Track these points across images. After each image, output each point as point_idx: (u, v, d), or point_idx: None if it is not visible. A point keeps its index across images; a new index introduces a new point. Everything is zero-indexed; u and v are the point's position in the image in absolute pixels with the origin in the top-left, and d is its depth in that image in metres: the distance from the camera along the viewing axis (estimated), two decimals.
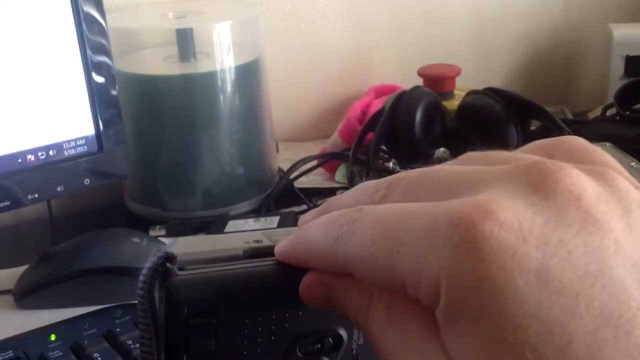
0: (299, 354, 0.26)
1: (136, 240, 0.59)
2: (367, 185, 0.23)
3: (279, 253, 0.24)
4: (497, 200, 0.19)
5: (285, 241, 0.24)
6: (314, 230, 0.23)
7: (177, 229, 0.69)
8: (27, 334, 0.50)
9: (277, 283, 0.25)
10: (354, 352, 0.27)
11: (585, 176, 0.19)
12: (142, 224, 0.70)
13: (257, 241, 0.26)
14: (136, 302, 0.24)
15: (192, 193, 0.72)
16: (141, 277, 0.24)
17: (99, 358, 0.45)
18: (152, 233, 0.68)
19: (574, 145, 0.22)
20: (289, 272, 0.24)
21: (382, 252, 0.20)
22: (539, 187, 0.19)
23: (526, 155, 0.22)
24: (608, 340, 0.17)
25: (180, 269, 0.24)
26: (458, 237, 0.18)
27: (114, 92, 0.63)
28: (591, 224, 0.18)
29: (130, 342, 0.47)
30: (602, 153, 0.22)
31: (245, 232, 0.27)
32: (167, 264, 0.24)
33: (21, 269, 0.61)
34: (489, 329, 0.18)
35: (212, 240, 0.27)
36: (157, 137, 0.72)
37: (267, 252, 0.25)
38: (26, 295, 0.57)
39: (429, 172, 0.22)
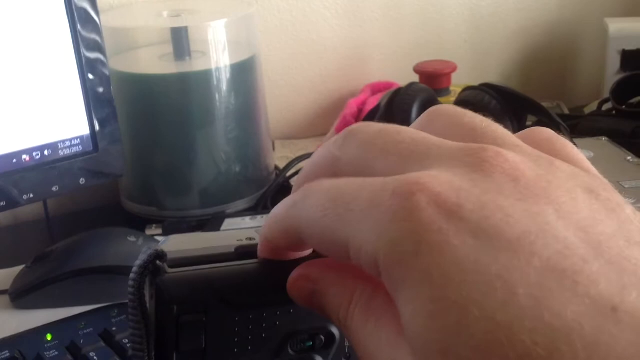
0: (290, 351, 0.26)
1: (132, 239, 0.59)
2: (330, 140, 0.24)
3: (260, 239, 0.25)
4: (438, 176, 0.19)
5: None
6: (278, 205, 0.24)
7: (174, 228, 0.69)
8: (23, 334, 0.49)
9: (268, 281, 0.25)
10: (347, 350, 0.27)
11: (527, 162, 0.20)
12: (138, 224, 0.70)
13: (250, 239, 0.26)
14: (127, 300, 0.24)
15: (188, 192, 0.72)
16: (131, 275, 0.24)
17: (95, 357, 0.45)
18: (148, 232, 0.68)
19: (537, 135, 0.23)
20: (280, 270, 0.24)
21: (330, 216, 0.21)
22: (478, 168, 0.19)
23: (484, 138, 0.22)
24: (553, 290, 0.17)
25: (171, 266, 0.24)
26: (396, 206, 0.19)
27: (109, 92, 0.63)
28: (530, 196, 0.19)
29: (127, 341, 0.47)
30: (566, 143, 0.22)
31: (238, 229, 0.27)
32: (158, 262, 0.24)
33: (17, 269, 0.61)
34: (432, 291, 0.18)
35: (205, 238, 0.27)
36: (153, 136, 0.72)
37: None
38: (22, 295, 0.56)
39: (386, 133, 0.22)
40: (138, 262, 0.24)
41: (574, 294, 0.17)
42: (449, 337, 0.17)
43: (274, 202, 0.77)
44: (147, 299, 0.24)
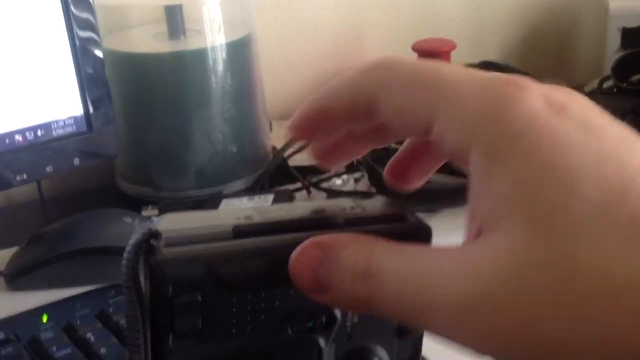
0: (290, 332, 0.25)
1: (128, 220, 0.58)
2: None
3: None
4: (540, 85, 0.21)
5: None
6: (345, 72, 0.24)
7: (170, 209, 0.68)
8: (18, 315, 0.49)
9: (266, 261, 0.24)
10: (348, 330, 0.26)
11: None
12: (134, 204, 0.69)
13: (248, 217, 0.25)
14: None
15: (184, 172, 0.71)
16: (125, 254, 0.24)
17: (92, 338, 0.45)
18: (144, 213, 0.67)
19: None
20: (280, 249, 0.23)
21: (420, 88, 0.22)
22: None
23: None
24: None
25: (166, 245, 0.23)
26: (509, 94, 0.20)
27: (102, 71, 0.62)
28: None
29: (124, 322, 0.46)
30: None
31: (236, 208, 0.27)
32: (152, 241, 0.23)
33: (12, 250, 0.60)
34: (542, 158, 0.19)
35: (201, 217, 0.26)
36: (148, 116, 0.71)
37: (257, 229, 0.24)
38: (17, 277, 0.56)
39: None
40: (132, 242, 0.24)
41: None
42: (560, 197, 0.18)
43: (272, 183, 0.77)
44: (142, 279, 0.23)
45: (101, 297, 0.50)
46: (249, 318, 0.24)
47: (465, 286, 0.18)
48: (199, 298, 0.23)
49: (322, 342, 0.26)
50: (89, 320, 0.47)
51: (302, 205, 0.26)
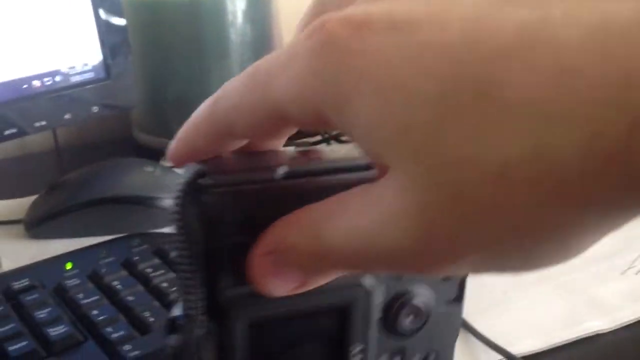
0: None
1: (149, 169, 0.57)
2: None
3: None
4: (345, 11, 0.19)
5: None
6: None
7: None
8: (42, 262, 0.48)
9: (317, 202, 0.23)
10: None
11: None
12: (151, 156, 0.67)
13: (293, 159, 0.24)
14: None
15: None
16: (175, 193, 0.22)
17: (118, 286, 0.44)
18: (163, 164, 0.66)
19: None
20: (331, 190, 0.22)
21: (252, 86, 0.21)
22: None
23: None
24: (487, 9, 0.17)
25: (215, 186, 0.22)
26: (313, 43, 0.18)
27: (121, 18, 0.60)
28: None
29: (150, 270, 0.45)
30: None
31: (278, 150, 0.25)
32: (200, 180, 0.22)
33: (29, 199, 0.59)
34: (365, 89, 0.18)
35: (247, 158, 0.25)
36: (166, 66, 0.69)
37: (307, 171, 0.23)
38: (38, 225, 0.55)
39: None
40: (181, 180, 0.23)
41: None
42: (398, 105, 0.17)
43: (291, 136, 0.75)
44: (190, 220, 0.22)
45: (125, 245, 0.49)
46: None
47: (399, 237, 0.18)
48: (248, 240, 0.22)
49: (370, 282, 0.25)
50: (114, 268, 0.46)
51: (345, 147, 0.25)
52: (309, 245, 0.20)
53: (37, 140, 0.72)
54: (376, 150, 0.18)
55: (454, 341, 0.27)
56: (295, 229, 0.21)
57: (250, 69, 0.21)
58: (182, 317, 0.23)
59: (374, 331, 0.24)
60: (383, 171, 0.19)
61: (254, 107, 0.21)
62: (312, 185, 0.23)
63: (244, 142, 0.23)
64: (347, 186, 0.22)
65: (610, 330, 0.44)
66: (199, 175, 0.22)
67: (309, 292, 0.22)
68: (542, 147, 0.15)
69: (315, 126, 0.20)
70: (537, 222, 0.16)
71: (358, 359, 0.24)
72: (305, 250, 0.20)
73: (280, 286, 0.21)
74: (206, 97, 0.24)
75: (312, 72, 0.18)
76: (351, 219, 0.19)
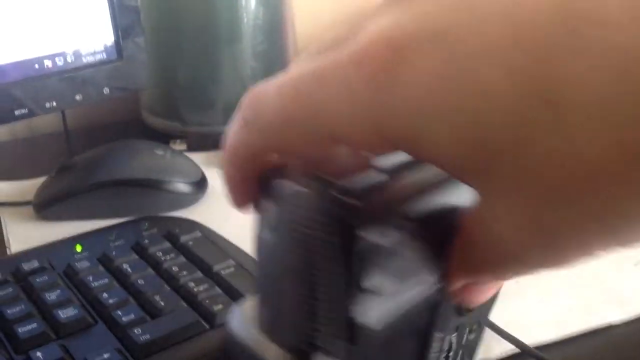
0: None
1: (159, 152, 0.57)
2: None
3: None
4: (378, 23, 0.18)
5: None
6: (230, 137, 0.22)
7: (198, 143, 0.66)
8: (52, 244, 0.48)
9: None
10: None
11: None
12: (160, 139, 0.67)
13: None
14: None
15: (212, 107, 0.69)
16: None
17: (128, 269, 0.43)
18: (172, 147, 0.66)
19: None
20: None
21: (296, 108, 0.20)
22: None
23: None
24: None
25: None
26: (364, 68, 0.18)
27: None
28: None
29: (160, 254, 0.45)
30: None
31: None
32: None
33: (38, 180, 0.58)
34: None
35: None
36: (177, 49, 0.69)
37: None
38: (47, 206, 0.54)
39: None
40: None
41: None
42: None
43: None
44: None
45: (135, 228, 0.49)
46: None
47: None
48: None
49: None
50: (125, 252, 0.46)
51: None
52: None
53: (46, 122, 0.72)
54: (464, 171, 0.18)
55: (490, 309, 0.26)
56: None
57: (288, 88, 0.20)
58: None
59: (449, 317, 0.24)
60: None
61: (302, 133, 0.20)
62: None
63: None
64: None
65: (623, 321, 0.43)
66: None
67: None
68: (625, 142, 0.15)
69: (362, 149, 0.20)
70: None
71: (437, 347, 0.24)
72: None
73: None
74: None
75: (373, 107, 0.18)
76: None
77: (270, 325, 0.23)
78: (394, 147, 0.18)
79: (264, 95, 0.20)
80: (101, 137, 0.71)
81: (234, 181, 0.23)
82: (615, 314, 0.44)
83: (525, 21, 0.15)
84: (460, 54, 0.16)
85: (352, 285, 0.20)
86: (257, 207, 0.23)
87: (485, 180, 0.17)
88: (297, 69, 0.19)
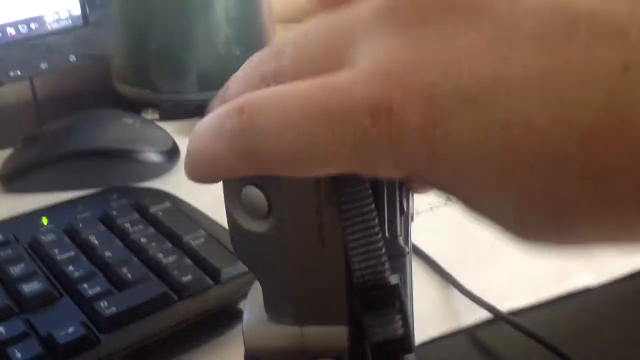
0: None
1: (129, 121, 0.55)
2: (257, 61, 0.22)
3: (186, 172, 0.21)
4: (391, 54, 0.17)
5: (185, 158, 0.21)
6: (208, 143, 0.20)
7: (171, 112, 0.65)
8: (17, 217, 0.46)
9: None
10: None
11: None
12: (132, 107, 0.66)
13: None
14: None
15: (185, 75, 0.67)
16: None
17: (95, 241, 0.42)
18: (144, 116, 0.64)
19: None
20: None
21: (308, 130, 0.18)
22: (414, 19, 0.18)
23: None
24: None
25: None
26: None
27: None
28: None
29: (128, 225, 0.44)
30: None
31: None
32: None
33: (6, 152, 0.57)
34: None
35: None
36: (148, 15, 0.66)
37: None
38: (13, 178, 0.53)
39: (302, 35, 0.20)
40: None
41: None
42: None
43: None
44: None
45: (103, 199, 0.47)
46: None
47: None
48: None
49: None
50: (92, 223, 0.45)
51: None
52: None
53: (15, 91, 0.70)
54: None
55: None
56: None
57: (294, 101, 0.18)
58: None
59: None
60: None
61: (304, 153, 0.18)
62: None
63: None
64: None
65: (601, 285, 0.43)
66: None
67: None
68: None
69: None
70: None
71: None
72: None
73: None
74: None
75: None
76: None
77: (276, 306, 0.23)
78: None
79: (264, 120, 0.19)
80: (72, 106, 0.69)
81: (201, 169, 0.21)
82: (592, 278, 0.43)
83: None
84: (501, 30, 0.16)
85: None
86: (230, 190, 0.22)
87: None
88: (294, 89, 0.19)
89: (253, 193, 0.22)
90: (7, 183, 0.53)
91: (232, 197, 0.22)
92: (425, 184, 0.19)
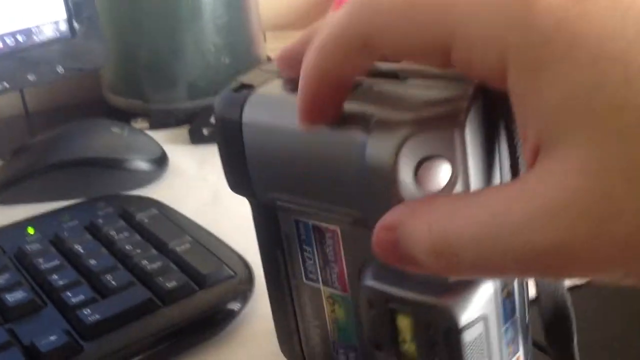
0: None
1: (116, 130, 0.56)
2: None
3: None
4: None
5: None
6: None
7: (161, 121, 0.65)
8: (3, 228, 0.46)
9: None
10: None
11: None
12: (123, 117, 0.66)
13: None
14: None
15: (175, 84, 0.68)
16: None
17: (81, 250, 0.42)
18: (134, 126, 0.64)
19: None
20: None
21: (422, 5, 0.19)
22: None
23: None
24: None
25: None
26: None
27: None
28: None
29: (114, 232, 0.44)
30: None
31: None
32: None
33: None
34: (583, 59, 0.16)
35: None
36: (137, 25, 0.67)
37: None
38: (3, 190, 0.53)
39: None
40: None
41: None
42: (620, 92, 0.16)
43: None
44: None
45: (90, 209, 0.47)
46: None
47: (544, 231, 0.17)
48: None
49: None
50: (78, 232, 0.45)
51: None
52: (423, 241, 0.19)
53: (7, 104, 0.70)
54: (563, 125, 0.17)
55: None
56: (411, 218, 0.20)
57: None
58: None
59: None
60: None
61: (415, 31, 0.19)
62: None
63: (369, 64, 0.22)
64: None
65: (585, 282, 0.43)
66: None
67: None
68: None
69: (474, 74, 0.19)
70: None
71: None
72: (422, 245, 0.19)
73: (403, 263, 0.21)
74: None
75: (515, 24, 0.17)
76: (473, 216, 0.18)
77: None
78: (500, 69, 0.18)
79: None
80: (63, 118, 0.69)
81: (317, 80, 0.22)
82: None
83: None
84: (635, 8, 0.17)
85: None
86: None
87: (574, 130, 0.17)
88: None
89: None
90: None
91: None
92: None
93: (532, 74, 0.17)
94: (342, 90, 0.22)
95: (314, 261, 0.27)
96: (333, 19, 0.21)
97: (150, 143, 0.56)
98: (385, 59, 0.21)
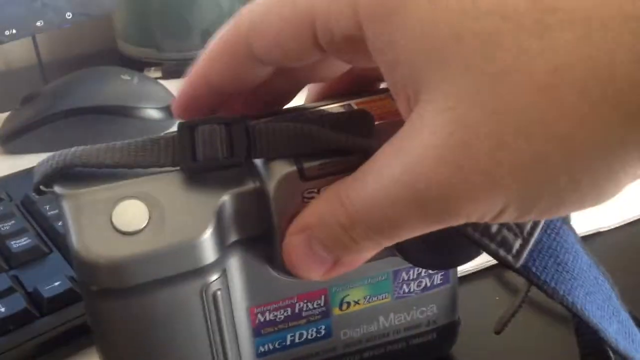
0: None
1: (126, 77, 0.54)
2: None
3: None
4: None
5: None
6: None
7: (174, 71, 0.64)
8: (10, 176, 0.46)
9: None
10: None
11: None
12: (137, 67, 0.64)
13: None
14: None
15: (188, 33, 0.66)
16: None
17: None
18: (147, 74, 0.63)
19: None
20: None
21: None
22: None
23: None
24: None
25: None
26: None
27: None
28: None
29: None
30: None
31: None
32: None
33: (7, 113, 0.56)
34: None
35: None
36: None
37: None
38: (11, 139, 0.52)
39: None
40: None
41: None
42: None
43: None
44: None
45: None
46: None
47: (427, 176, 0.17)
48: None
49: None
50: None
51: None
52: (335, 215, 0.19)
53: (20, 54, 0.70)
54: (418, 66, 0.17)
55: None
56: (322, 201, 0.20)
57: None
58: None
59: None
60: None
61: (284, 23, 0.20)
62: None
63: (263, 73, 0.23)
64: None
65: (611, 227, 0.41)
66: None
67: None
68: (591, 51, 0.15)
69: (343, 50, 0.19)
70: (583, 135, 0.15)
71: None
72: (332, 222, 0.19)
73: (314, 269, 0.21)
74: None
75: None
76: (380, 172, 0.18)
77: None
78: (358, 31, 0.18)
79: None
80: (77, 67, 0.68)
81: (198, 80, 0.23)
82: (604, 221, 0.41)
83: None
84: None
85: None
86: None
87: (439, 71, 0.17)
88: None
89: None
90: (5, 144, 0.53)
91: None
92: None
93: (383, 24, 0.17)
94: (220, 96, 0.24)
95: None
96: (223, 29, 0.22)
97: (161, 91, 0.55)
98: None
